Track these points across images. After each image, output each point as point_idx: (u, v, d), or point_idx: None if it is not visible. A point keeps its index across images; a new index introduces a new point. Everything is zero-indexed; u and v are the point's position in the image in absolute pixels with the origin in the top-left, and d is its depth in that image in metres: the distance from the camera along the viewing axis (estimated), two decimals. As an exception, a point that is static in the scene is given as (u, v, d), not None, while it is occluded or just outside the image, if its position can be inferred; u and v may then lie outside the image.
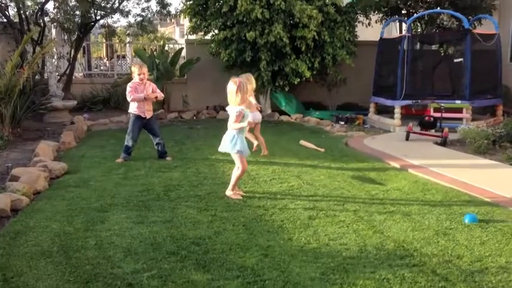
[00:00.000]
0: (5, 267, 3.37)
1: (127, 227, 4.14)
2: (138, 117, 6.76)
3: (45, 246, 3.73)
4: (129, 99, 6.69)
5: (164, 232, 4.02)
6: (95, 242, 3.82)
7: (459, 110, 9.66)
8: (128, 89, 6.70)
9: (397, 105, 10.02)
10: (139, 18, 13.17)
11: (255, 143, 7.29)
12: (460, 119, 9.51)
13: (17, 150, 7.45)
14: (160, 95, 6.87)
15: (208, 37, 11.98)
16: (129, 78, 6.96)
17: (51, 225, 4.20)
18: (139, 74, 6.65)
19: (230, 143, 4.98)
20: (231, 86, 4.85)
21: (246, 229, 4.12)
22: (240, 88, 4.79)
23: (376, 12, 12.29)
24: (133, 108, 6.74)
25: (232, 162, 6.63)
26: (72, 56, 12.24)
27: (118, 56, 17.02)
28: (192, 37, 13.29)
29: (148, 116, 6.79)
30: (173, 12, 13.50)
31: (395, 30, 13.99)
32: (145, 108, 6.73)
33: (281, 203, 4.85)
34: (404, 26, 11.86)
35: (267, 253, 3.61)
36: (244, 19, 10.42)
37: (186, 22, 18.64)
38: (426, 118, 8.86)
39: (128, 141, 6.76)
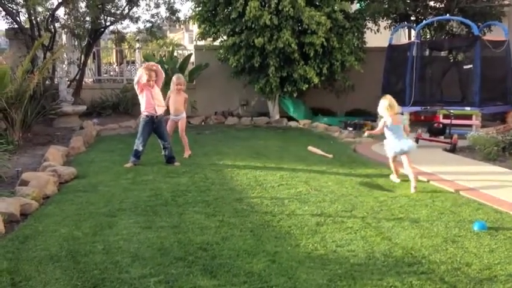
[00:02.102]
0: (14, 271, 3.39)
1: (135, 232, 4.15)
2: (147, 122, 6.79)
3: (54, 251, 3.75)
4: (135, 85, 6.76)
5: (172, 237, 4.03)
6: (102, 246, 3.83)
7: (469, 117, 9.61)
8: (135, 86, 6.80)
9: (406, 112, 9.99)
10: (148, 24, 13.30)
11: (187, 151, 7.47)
12: (470, 125, 9.45)
13: (27, 154, 7.51)
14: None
15: (217, 43, 12.04)
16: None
17: (60, 229, 4.22)
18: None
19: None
20: (385, 102, 6.15)
21: (253, 235, 4.11)
22: (391, 104, 6.09)
23: (385, 18, 12.29)
24: (143, 107, 6.77)
25: (239, 168, 6.67)
26: (82, 61, 12.36)
27: (127, 62, 17.15)
28: (201, 43, 13.38)
29: (159, 112, 6.79)
30: (182, 18, 13.61)
31: (404, 36, 13.97)
32: (155, 104, 6.75)
33: (288, 209, 4.84)
34: (413, 32, 11.84)
35: (274, 259, 3.60)
36: (253, 25, 10.45)
37: (195, 28, 18.73)
38: (435, 124, 8.83)
39: (138, 146, 6.79)
